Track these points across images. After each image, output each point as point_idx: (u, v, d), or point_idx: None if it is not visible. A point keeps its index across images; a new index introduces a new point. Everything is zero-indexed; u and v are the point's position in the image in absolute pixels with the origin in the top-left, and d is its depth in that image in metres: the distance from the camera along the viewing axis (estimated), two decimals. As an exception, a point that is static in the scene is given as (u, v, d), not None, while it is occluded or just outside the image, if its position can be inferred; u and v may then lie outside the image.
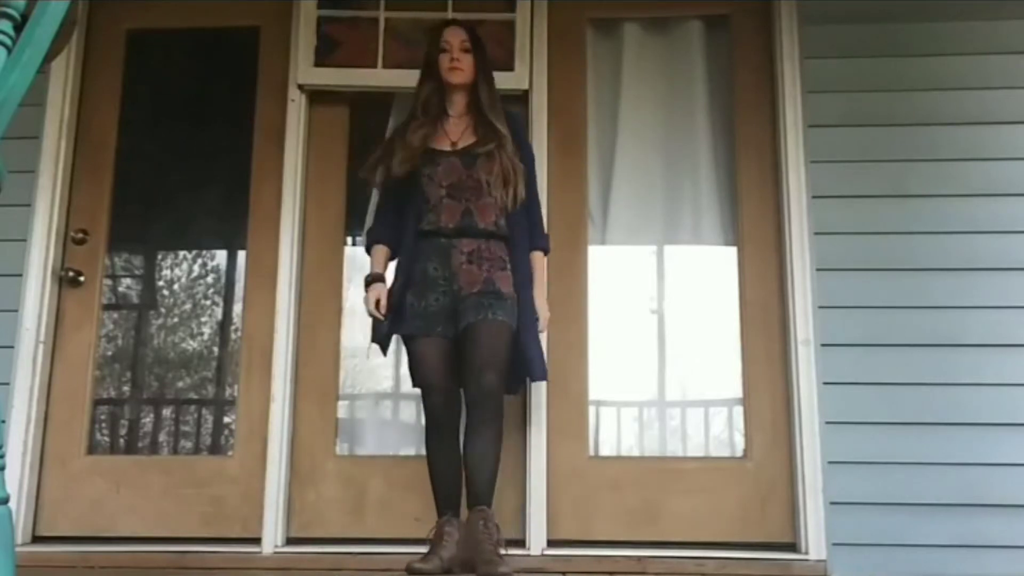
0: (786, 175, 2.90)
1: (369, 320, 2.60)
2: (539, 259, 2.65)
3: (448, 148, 2.60)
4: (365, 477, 2.90)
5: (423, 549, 2.38)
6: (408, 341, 2.54)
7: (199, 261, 3.25)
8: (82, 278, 3.02)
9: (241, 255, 3.13)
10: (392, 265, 2.64)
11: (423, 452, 2.54)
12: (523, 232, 2.61)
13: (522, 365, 2.52)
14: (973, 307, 2.74)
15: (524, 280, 2.57)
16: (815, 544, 2.65)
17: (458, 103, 2.67)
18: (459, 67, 2.62)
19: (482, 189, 2.54)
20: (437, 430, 2.51)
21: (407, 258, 2.57)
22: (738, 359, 2.92)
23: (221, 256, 3.25)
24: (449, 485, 2.49)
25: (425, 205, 2.56)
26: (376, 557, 2.66)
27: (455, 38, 2.65)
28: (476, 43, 2.68)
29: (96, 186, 3.09)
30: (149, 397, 3.13)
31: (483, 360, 2.41)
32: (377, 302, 2.55)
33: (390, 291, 2.56)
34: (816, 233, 2.83)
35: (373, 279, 2.60)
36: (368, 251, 2.67)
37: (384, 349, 2.59)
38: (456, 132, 2.63)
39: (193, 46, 3.30)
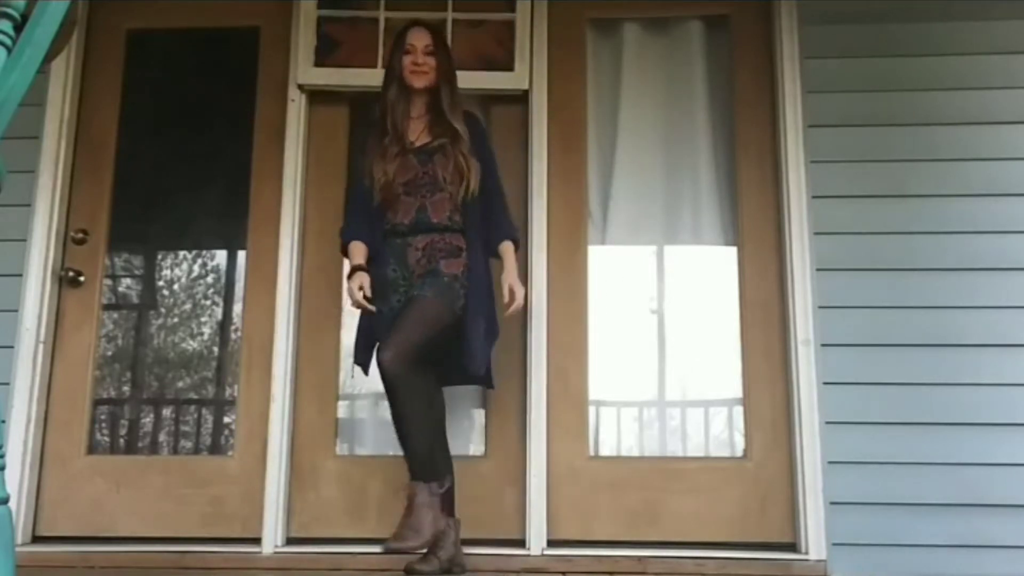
0: (786, 175, 2.90)
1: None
2: (509, 248, 2.62)
3: (404, 147, 2.59)
4: (365, 477, 2.90)
5: (423, 549, 2.38)
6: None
7: (199, 261, 3.25)
8: (82, 278, 3.01)
9: (241, 255, 3.13)
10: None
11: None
12: (475, 226, 2.57)
13: (460, 356, 2.48)
14: (973, 307, 2.74)
15: (478, 273, 2.54)
16: (815, 544, 2.65)
17: (419, 105, 2.65)
18: (422, 70, 2.61)
19: (437, 184, 2.54)
20: None
21: (373, 263, 2.57)
22: (738, 359, 2.92)
23: (221, 256, 3.25)
24: None
25: (388, 206, 2.57)
26: (376, 557, 2.66)
27: (419, 41, 2.63)
28: (440, 45, 2.68)
29: (96, 186, 3.09)
30: (149, 397, 3.13)
31: (389, 338, 2.37)
32: (361, 288, 2.52)
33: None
34: (816, 233, 2.83)
35: (355, 269, 2.57)
36: (344, 252, 2.64)
37: (365, 369, 2.57)
38: (415, 132, 2.63)
39: (193, 46, 3.30)
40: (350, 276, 2.57)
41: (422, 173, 2.56)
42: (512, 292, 2.56)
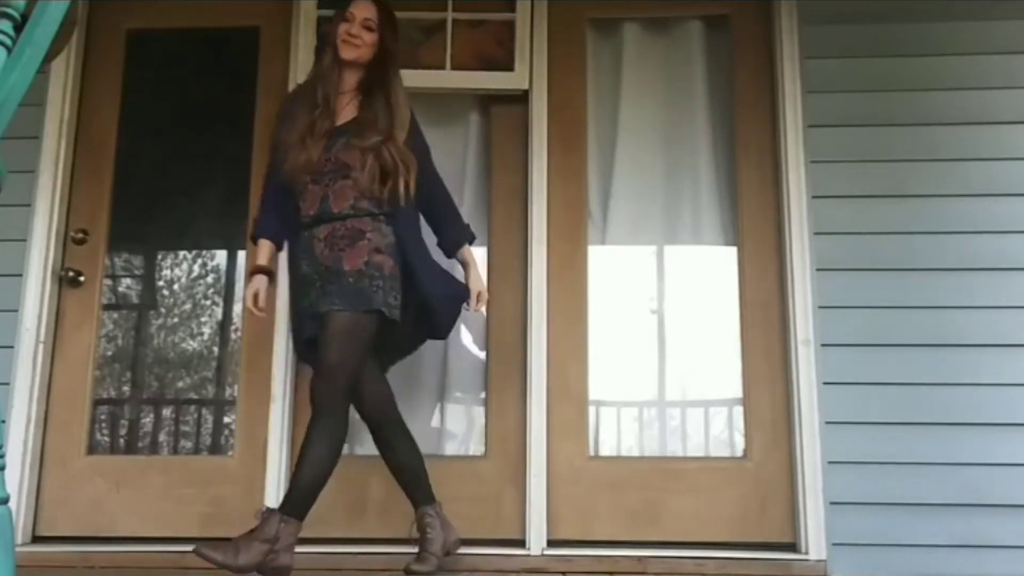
0: (786, 175, 2.90)
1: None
2: (468, 251, 2.56)
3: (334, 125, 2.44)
4: (365, 477, 2.89)
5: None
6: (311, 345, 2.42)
7: (199, 261, 3.25)
8: (82, 278, 3.01)
9: (241, 255, 3.13)
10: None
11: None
12: (412, 226, 2.44)
13: (426, 326, 2.46)
14: (973, 307, 2.74)
15: (411, 246, 2.40)
16: (815, 544, 2.65)
17: (348, 80, 2.48)
18: (354, 43, 2.44)
19: (340, 171, 2.37)
20: (371, 433, 2.49)
21: (291, 259, 2.49)
22: (738, 359, 2.92)
23: (221, 256, 3.25)
24: (401, 482, 2.48)
25: (298, 194, 2.43)
26: (376, 557, 2.66)
27: (360, 12, 2.46)
28: (385, 24, 2.49)
29: (96, 186, 3.09)
30: (149, 397, 3.13)
31: (317, 367, 2.32)
32: (256, 296, 2.44)
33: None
34: (816, 233, 2.83)
35: (254, 271, 2.47)
36: (254, 242, 2.54)
37: (308, 361, 2.53)
38: (338, 113, 2.46)
39: (193, 46, 3.30)
40: (247, 280, 2.49)
41: (329, 159, 2.38)
42: (479, 296, 2.54)
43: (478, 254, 3.03)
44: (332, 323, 2.29)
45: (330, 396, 2.27)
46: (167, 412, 3.15)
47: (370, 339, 2.32)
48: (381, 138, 2.38)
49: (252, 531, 2.21)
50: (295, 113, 2.47)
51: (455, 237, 2.56)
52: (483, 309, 2.60)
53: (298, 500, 2.25)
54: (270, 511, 2.25)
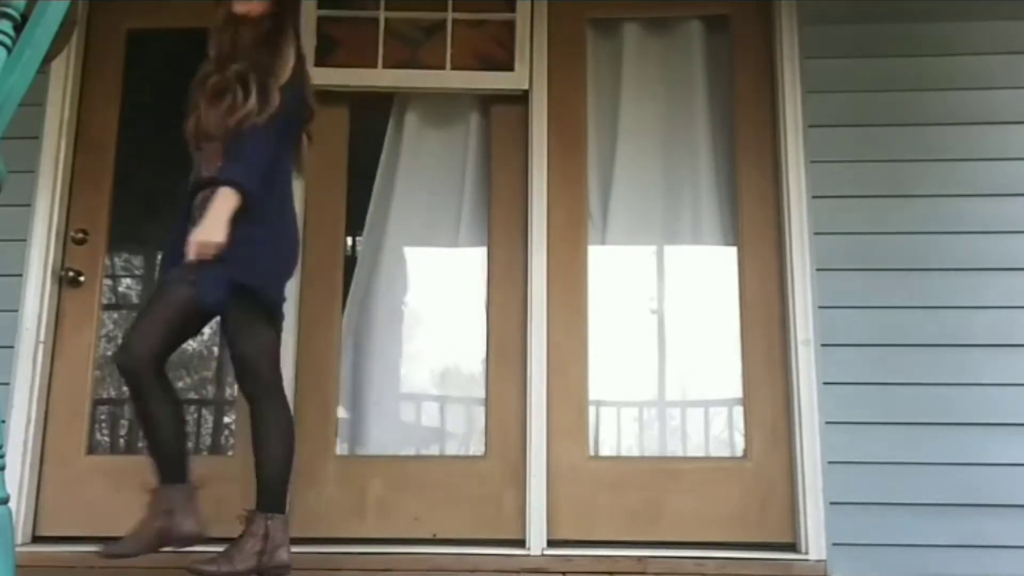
0: (786, 175, 2.90)
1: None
2: (220, 193, 2.20)
3: None
4: (365, 477, 2.90)
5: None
6: None
7: (199, 261, 3.25)
8: (82, 278, 3.01)
9: (241, 255, 3.12)
10: None
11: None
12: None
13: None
14: (973, 307, 2.74)
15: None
16: (815, 544, 2.65)
17: (245, 37, 2.37)
18: None
19: (210, 131, 2.29)
20: None
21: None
22: (738, 359, 2.92)
23: (221, 256, 3.24)
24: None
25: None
26: (376, 557, 2.66)
27: None
28: None
29: (96, 186, 3.09)
30: (149, 397, 3.13)
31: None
32: None
33: None
34: (816, 233, 2.83)
35: None
36: None
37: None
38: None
39: (193, 46, 3.28)
40: None
41: (201, 121, 2.30)
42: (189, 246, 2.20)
43: (478, 254, 3.05)
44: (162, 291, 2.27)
45: (143, 362, 2.22)
46: (167, 412, 3.15)
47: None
48: (239, 87, 2.26)
49: (240, 536, 2.21)
50: (201, 77, 2.41)
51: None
52: (191, 257, 2.19)
53: (275, 493, 2.25)
54: (252, 512, 2.25)
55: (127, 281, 3.26)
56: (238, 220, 2.19)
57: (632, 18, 3.20)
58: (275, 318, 2.33)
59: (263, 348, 2.31)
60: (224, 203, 2.18)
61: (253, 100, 2.24)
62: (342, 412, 3.02)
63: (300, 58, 2.42)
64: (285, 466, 2.30)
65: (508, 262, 3.01)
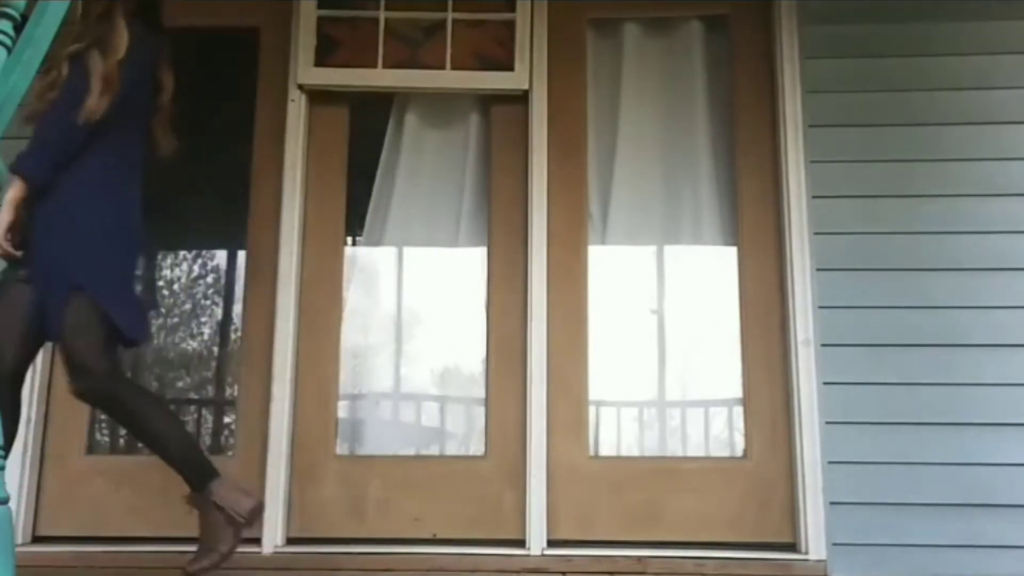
0: (786, 175, 2.90)
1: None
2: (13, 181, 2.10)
3: None
4: (365, 477, 2.90)
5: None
6: None
7: (199, 261, 3.25)
8: (82, 278, 3.01)
9: (241, 255, 3.13)
10: None
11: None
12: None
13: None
14: (973, 307, 2.74)
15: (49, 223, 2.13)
16: (815, 544, 2.65)
17: (90, 10, 2.26)
18: None
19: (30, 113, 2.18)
20: None
21: None
22: (738, 359, 2.92)
23: (221, 256, 3.25)
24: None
25: None
26: (376, 557, 2.66)
27: None
28: None
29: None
30: (149, 397, 3.13)
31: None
32: None
33: None
34: (816, 233, 2.83)
35: None
36: None
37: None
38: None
39: (193, 46, 3.29)
40: None
41: None
42: None
43: (478, 254, 3.05)
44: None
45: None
46: (167, 412, 3.15)
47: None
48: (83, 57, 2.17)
49: (201, 526, 2.20)
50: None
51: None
52: None
53: (197, 469, 2.22)
54: (192, 496, 2.22)
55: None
56: (33, 206, 2.11)
57: (632, 18, 3.20)
58: (93, 299, 2.14)
59: (88, 338, 2.15)
60: (11, 192, 2.10)
61: (70, 79, 2.13)
62: (342, 412, 3.02)
63: (142, 32, 2.30)
64: (184, 435, 2.25)
65: (508, 262, 3.01)
